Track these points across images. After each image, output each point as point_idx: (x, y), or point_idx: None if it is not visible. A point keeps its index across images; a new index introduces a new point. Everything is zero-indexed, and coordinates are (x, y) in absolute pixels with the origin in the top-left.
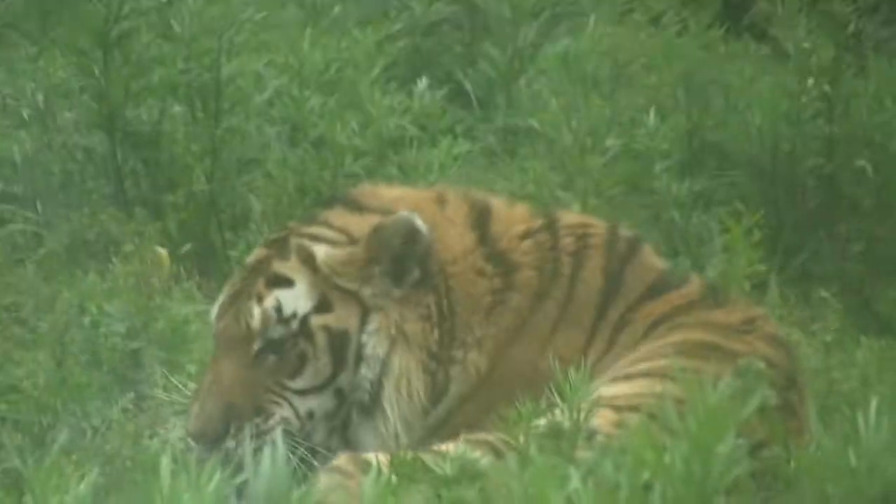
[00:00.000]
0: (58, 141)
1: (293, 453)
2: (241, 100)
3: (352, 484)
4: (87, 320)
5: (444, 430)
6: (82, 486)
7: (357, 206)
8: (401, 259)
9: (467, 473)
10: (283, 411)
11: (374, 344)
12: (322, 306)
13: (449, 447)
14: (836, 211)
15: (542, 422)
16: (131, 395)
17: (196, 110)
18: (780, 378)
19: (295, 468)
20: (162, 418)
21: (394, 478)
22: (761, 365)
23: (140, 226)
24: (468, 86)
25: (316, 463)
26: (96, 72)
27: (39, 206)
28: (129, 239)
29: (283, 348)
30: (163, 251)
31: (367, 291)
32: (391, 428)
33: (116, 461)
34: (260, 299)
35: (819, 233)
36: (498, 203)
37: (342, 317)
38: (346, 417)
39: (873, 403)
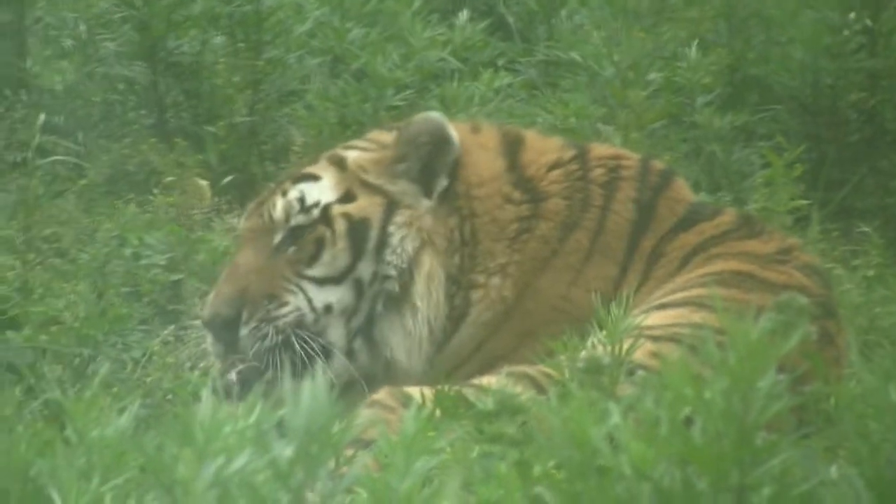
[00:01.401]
0: (99, 72)
1: (305, 347)
2: (282, 31)
3: (393, 417)
4: (127, 252)
5: (476, 358)
6: (123, 419)
7: (394, 127)
8: (429, 164)
9: (508, 408)
10: (297, 300)
11: (401, 236)
12: (346, 198)
13: (490, 381)
14: (878, 145)
15: (582, 356)
16: (172, 327)
17: (237, 41)
18: (817, 307)
19: (305, 363)
20: (203, 351)
21: (435, 412)
22: (803, 300)
23: (181, 157)
24: (509, 18)
25: (329, 364)
26: (138, 2)
27: (80, 137)
28: (169, 170)
29: (303, 236)
30: (203, 182)
31: (394, 188)
32: (419, 325)
33: (157, 393)
34: (284, 193)
35: (861, 167)
36: (531, 134)
37: (364, 206)
38: (371, 313)
39: None
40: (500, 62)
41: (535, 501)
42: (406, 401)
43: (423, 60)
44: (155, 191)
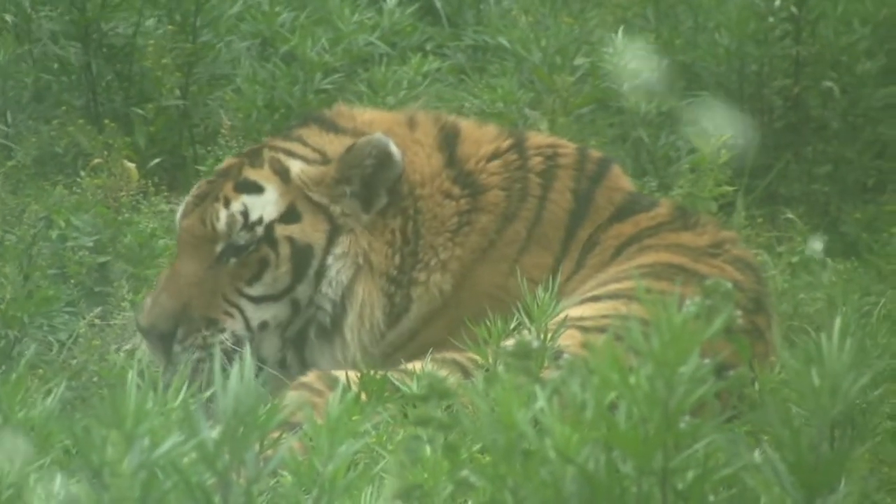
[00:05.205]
0: (34, 51)
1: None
2: (213, 14)
3: (319, 400)
4: (54, 233)
5: (410, 347)
6: (49, 401)
7: (332, 127)
8: (371, 183)
9: (434, 392)
10: (235, 324)
11: (339, 268)
12: (289, 216)
13: (416, 366)
14: (802, 132)
15: (509, 341)
16: (98, 309)
17: (167, 24)
18: (748, 301)
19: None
20: (129, 333)
21: (362, 395)
22: (728, 285)
23: (109, 139)
24: (437, 2)
25: (262, 373)
26: None
27: (9, 118)
28: (97, 152)
29: (245, 253)
30: (131, 165)
31: (336, 210)
32: (349, 354)
33: (83, 376)
34: (227, 203)
35: (786, 154)
36: (467, 124)
37: (308, 231)
38: (303, 335)
39: (837, 324)
40: (429, 47)
41: (461, 485)
42: (333, 384)
43: (352, 44)
44: (82, 173)
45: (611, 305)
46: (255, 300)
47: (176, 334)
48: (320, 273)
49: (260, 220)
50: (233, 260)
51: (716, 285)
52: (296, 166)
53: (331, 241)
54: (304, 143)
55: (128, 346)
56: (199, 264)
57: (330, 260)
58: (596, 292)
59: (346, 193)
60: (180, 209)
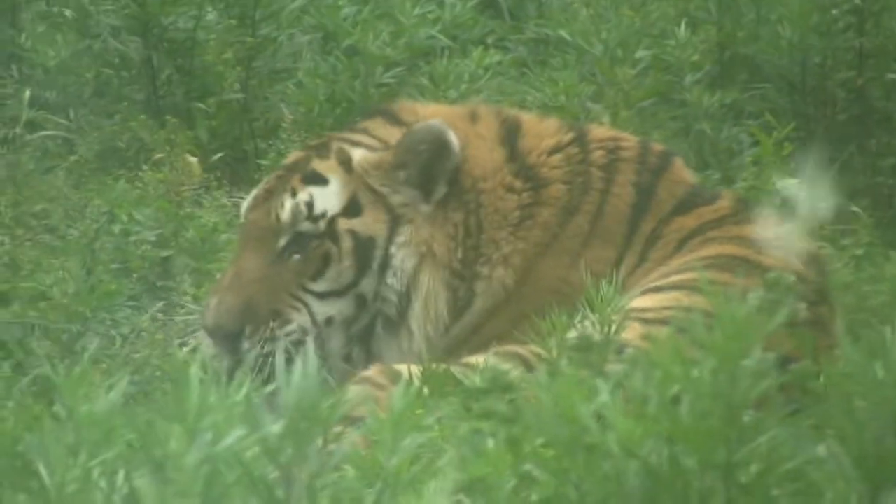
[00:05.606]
0: (94, 47)
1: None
2: (274, 8)
3: (382, 395)
4: (117, 228)
5: (473, 341)
6: (112, 395)
7: (396, 120)
8: (429, 171)
9: (497, 385)
10: (301, 317)
11: (402, 256)
12: (351, 209)
13: (479, 359)
14: (866, 124)
15: (572, 334)
16: (161, 303)
17: (228, 18)
18: (811, 293)
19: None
20: (191, 327)
21: (424, 389)
22: (791, 278)
23: (171, 133)
24: None
25: (328, 371)
26: None
27: (72, 113)
28: (159, 146)
29: (309, 247)
30: (193, 159)
31: (396, 199)
32: (416, 346)
33: (146, 370)
34: (293, 193)
35: (849, 146)
36: (528, 118)
37: (370, 223)
38: (369, 329)
39: None
40: (490, 40)
41: (524, 479)
42: (395, 378)
43: (414, 38)
44: (145, 167)
45: (673, 297)
46: (320, 296)
47: (243, 332)
48: (384, 264)
49: (324, 214)
50: (296, 256)
51: (779, 278)
52: (358, 154)
53: (392, 231)
54: (369, 134)
55: (191, 342)
56: (263, 260)
57: (393, 249)
58: (658, 283)
59: (403, 179)
60: (247, 202)
